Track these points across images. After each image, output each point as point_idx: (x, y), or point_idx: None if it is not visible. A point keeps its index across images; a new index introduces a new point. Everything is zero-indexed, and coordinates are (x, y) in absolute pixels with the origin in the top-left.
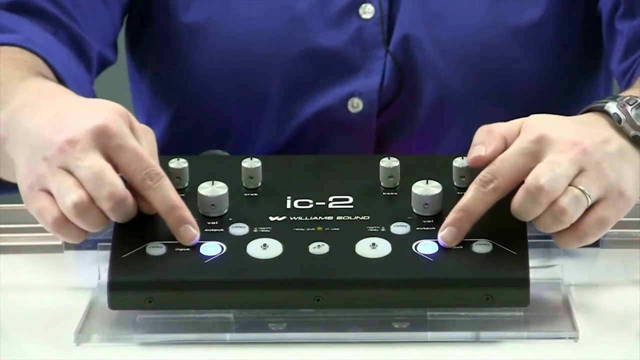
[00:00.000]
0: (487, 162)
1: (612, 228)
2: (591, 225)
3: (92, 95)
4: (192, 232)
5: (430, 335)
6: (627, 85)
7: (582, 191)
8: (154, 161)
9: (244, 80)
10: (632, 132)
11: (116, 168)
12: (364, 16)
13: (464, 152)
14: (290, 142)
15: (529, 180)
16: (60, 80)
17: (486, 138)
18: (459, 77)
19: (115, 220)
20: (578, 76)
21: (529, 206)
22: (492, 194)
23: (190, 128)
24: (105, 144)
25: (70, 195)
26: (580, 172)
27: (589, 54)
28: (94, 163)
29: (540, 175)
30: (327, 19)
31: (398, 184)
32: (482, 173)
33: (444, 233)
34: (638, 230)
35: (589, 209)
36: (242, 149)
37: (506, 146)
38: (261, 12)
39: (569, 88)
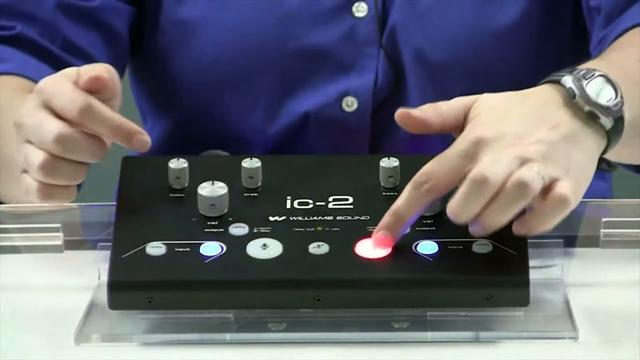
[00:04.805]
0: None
1: (612, 228)
2: (552, 203)
3: None
4: (144, 139)
5: (430, 335)
6: (597, 57)
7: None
8: (83, 96)
9: (234, 78)
10: (587, 108)
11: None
12: (357, 14)
13: None
14: (283, 140)
15: (473, 174)
16: None
17: (428, 108)
18: (451, 76)
19: (90, 160)
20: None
21: (473, 198)
22: (426, 196)
23: (184, 128)
24: (42, 100)
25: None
26: (524, 163)
27: (575, 46)
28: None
29: (483, 169)
30: (318, 16)
31: (398, 184)
32: (417, 174)
33: (377, 236)
34: (638, 230)
35: (546, 188)
36: (236, 146)
37: (442, 124)
38: (252, 8)
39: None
